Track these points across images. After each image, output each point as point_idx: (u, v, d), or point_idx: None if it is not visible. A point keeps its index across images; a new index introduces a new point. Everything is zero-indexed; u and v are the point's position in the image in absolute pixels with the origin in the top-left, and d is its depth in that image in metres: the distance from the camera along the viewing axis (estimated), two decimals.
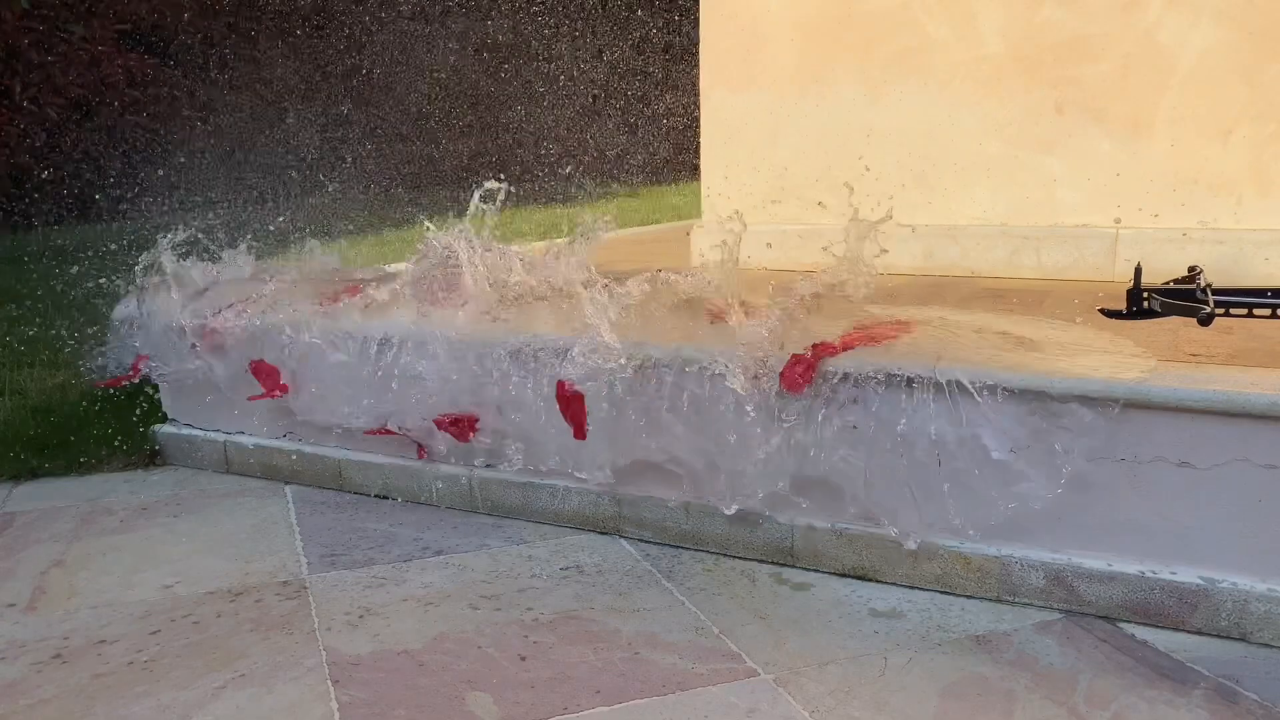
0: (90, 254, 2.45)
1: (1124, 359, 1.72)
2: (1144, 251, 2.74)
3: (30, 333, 2.55)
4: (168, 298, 2.59)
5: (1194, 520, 1.61)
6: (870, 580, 1.84)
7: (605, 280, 2.14)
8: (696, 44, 3.47)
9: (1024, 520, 1.70)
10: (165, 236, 2.55)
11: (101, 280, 2.69)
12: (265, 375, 2.45)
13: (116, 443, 2.65)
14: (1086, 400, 1.62)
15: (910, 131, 3.14)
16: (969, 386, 1.68)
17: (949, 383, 1.69)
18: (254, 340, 2.43)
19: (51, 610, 1.83)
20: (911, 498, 1.75)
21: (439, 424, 2.20)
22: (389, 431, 2.28)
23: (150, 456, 2.67)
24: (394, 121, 10.00)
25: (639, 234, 5.41)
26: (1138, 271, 2.25)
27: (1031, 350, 1.77)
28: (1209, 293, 2.07)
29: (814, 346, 1.82)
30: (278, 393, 2.43)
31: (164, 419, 2.71)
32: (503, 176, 2.29)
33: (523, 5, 11.54)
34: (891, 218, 2.02)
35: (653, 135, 12.14)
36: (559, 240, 2.75)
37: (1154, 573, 1.64)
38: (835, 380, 1.78)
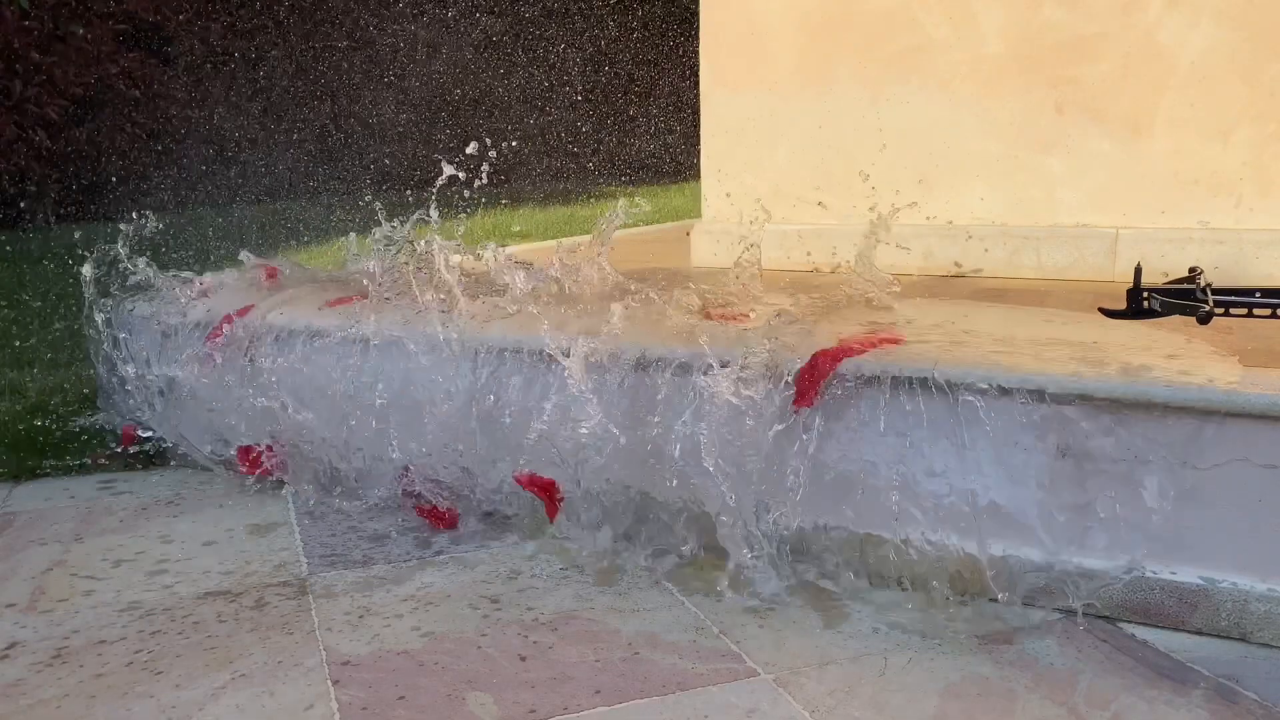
0: (89, 254, 2.45)
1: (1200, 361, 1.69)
2: (1144, 251, 2.74)
3: (29, 332, 2.55)
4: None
5: (1195, 520, 1.61)
6: (870, 580, 1.83)
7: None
8: (696, 43, 3.47)
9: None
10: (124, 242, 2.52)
11: (102, 280, 2.69)
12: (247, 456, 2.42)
13: (115, 443, 2.65)
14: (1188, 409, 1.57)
15: (910, 131, 3.14)
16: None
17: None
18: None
19: (52, 610, 1.83)
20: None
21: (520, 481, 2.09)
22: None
23: (150, 456, 2.67)
24: (395, 120, 10.01)
25: (640, 234, 5.41)
26: (1138, 271, 2.25)
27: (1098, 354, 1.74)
28: (1209, 292, 2.07)
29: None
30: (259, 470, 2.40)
31: None
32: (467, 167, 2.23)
33: (522, 5, 11.55)
34: (914, 205, 1.99)
35: (652, 135, 12.14)
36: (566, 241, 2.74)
37: (1154, 573, 1.64)
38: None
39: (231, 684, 1.55)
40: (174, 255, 2.69)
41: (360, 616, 1.77)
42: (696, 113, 3.51)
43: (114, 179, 7.76)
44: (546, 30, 11.55)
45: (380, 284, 2.35)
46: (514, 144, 10.65)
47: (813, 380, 1.79)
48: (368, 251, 2.40)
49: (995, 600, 1.73)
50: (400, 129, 9.91)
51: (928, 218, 3.09)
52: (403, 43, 10.38)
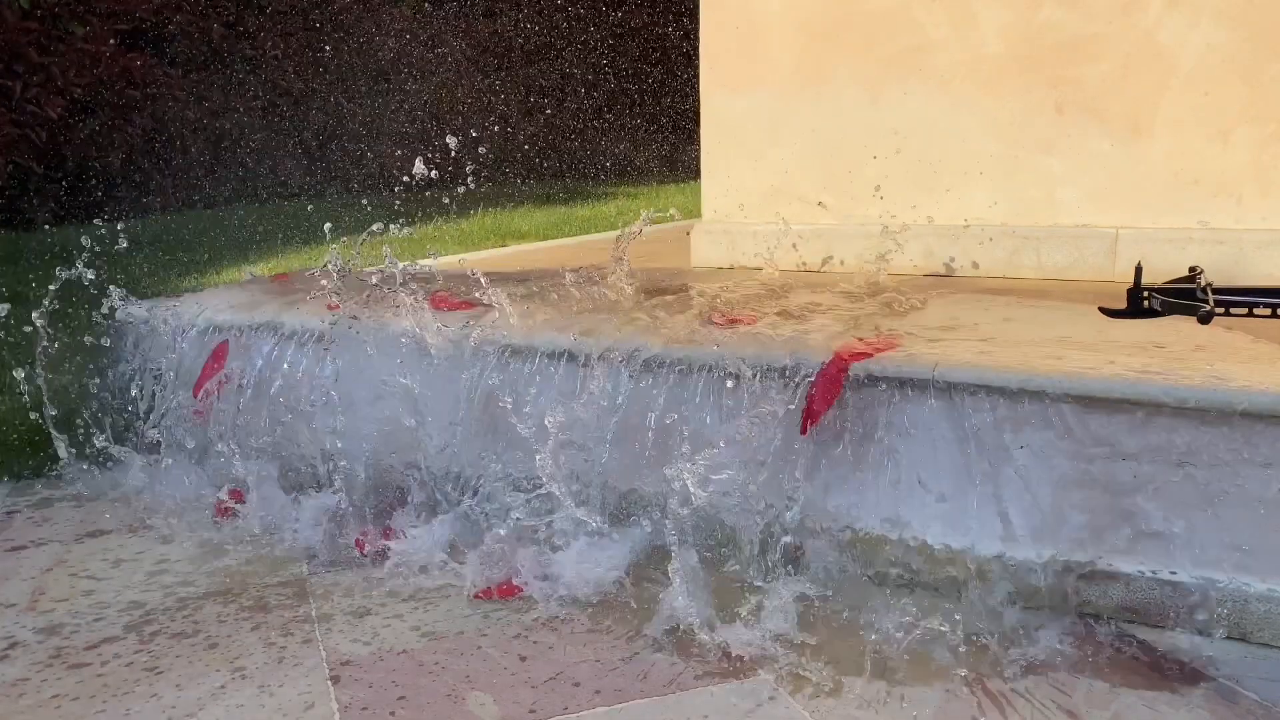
0: (87, 254, 2.44)
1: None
2: (1144, 251, 2.74)
3: (28, 331, 2.55)
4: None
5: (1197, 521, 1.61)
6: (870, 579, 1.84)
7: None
8: (697, 42, 3.47)
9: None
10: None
11: (103, 280, 2.69)
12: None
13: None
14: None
15: (910, 131, 3.14)
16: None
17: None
18: None
19: (52, 610, 1.83)
20: None
21: None
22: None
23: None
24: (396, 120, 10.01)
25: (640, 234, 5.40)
26: (1138, 271, 2.25)
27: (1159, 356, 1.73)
28: (1209, 292, 2.07)
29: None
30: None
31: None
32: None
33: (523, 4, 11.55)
34: (914, 206, 1.99)
35: (652, 134, 12.13)
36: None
37: (1154, 573, 1.64)
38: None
39: (231, 684, 1.55)
40: (169, 257, 2.65)
41: (360, 616, 1.77)
42: (697, 112, 3.50)
43: (114, 179, 7.76)
44: (546, 30, 11.57)
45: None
46: (513, 144, 10.66)
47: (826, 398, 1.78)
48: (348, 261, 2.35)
49: (996, 600, 1.73)
50: (400, 130, 9.92)
51: (928, 218, 3.09)
52: (403, 43, 10.39)
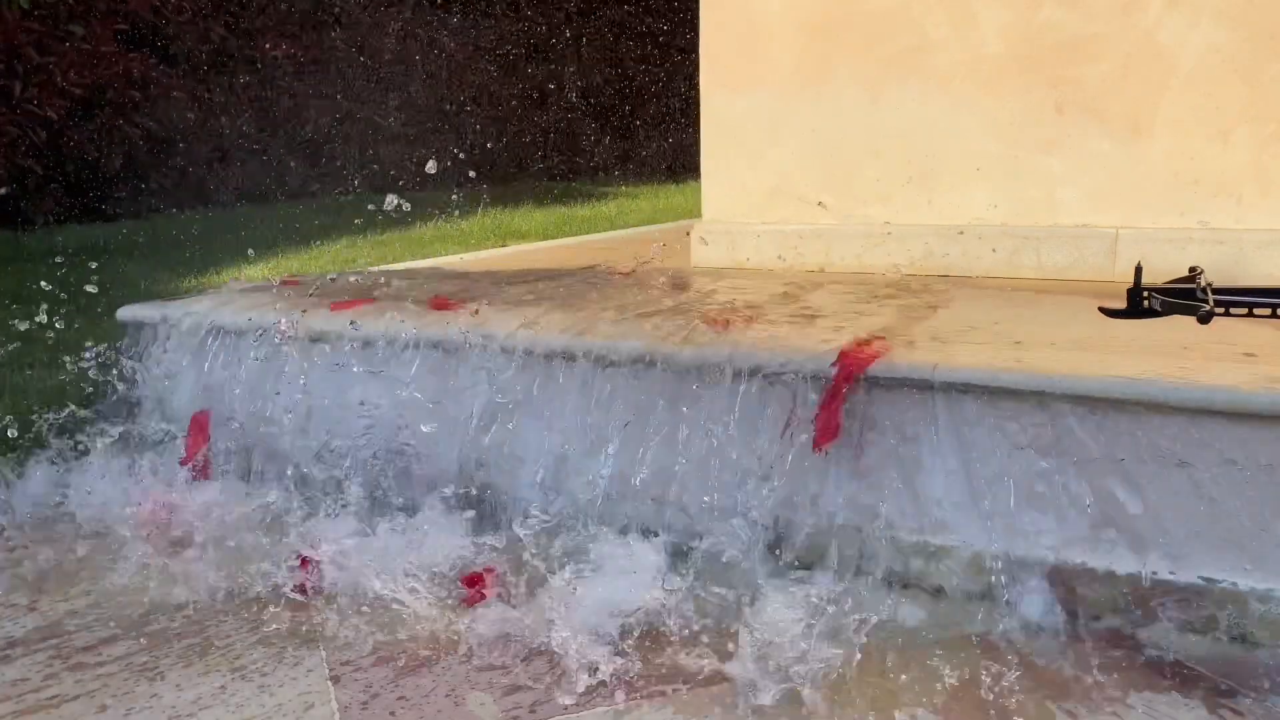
0: (84, 255, 2.44)
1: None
2: (1144, 251, 2.74)
3: (28, 329, 2.55)
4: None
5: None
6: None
7: None
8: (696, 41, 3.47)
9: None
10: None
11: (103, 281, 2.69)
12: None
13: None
14: None
15: (910, 131, 3.14)
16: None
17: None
18: None
19: (52, 610, 1.83)
20: None
21: None
22: None
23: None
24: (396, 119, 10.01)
25: (640, 234, 5.41)
26: (1138, 271, 2.25)
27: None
28: (1209, 292, 2.07)
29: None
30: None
31: None
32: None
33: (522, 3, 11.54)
34: (914, 206, 1.99)
35: (652, 134, 12.13)
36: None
37: (1154, 573, 1.64)
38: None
39: (231, 684, 1.55)
40: (169, 259, 2.64)
41: (360, 616, 1.77)
42: (697, 112, 3.50)
43: (114, 179, 7.75)
44: (546, 30, 11.56)
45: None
46: (512, 144, 10.66)
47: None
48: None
49: (996, 600, 1.74)
50: (399, 130, 9.92)
51: (928, 218, 3.09)
52: (403, 43, 10.39)
